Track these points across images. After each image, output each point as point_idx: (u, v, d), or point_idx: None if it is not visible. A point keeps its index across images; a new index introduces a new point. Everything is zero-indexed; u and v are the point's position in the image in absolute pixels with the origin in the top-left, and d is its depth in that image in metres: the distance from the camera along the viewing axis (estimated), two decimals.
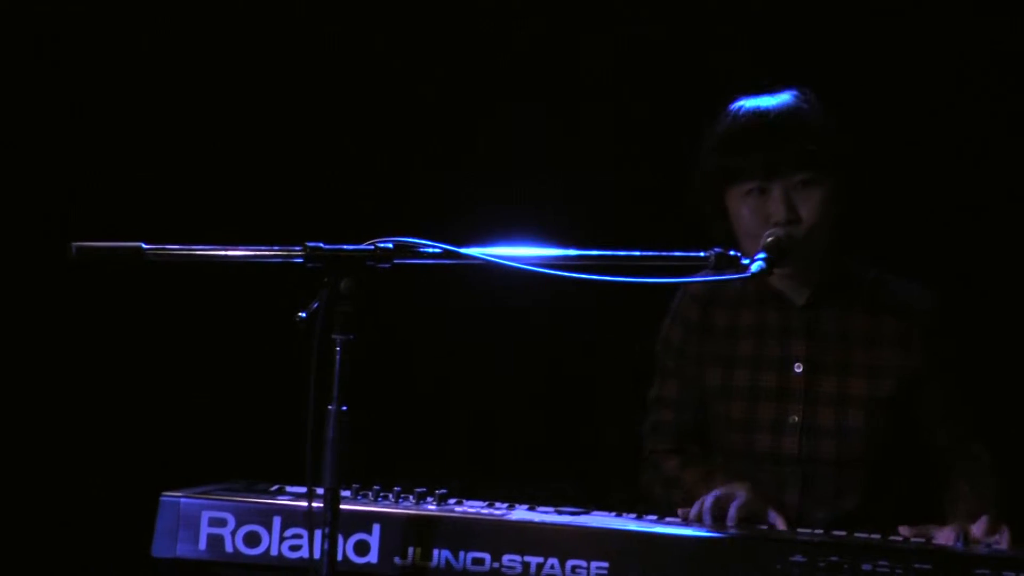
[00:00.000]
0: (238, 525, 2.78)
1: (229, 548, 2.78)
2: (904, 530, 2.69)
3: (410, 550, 2.72)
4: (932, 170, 3.88)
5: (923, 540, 2.64)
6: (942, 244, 3.79)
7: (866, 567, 2.48)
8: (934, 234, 3.82)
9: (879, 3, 3.95)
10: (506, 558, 2.67)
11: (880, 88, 3.71)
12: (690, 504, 2.81)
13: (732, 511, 2.70)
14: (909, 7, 3.92)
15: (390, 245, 2.51)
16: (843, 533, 2.63)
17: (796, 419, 2.97)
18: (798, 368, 2.99)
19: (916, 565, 2.47)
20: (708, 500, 2.72)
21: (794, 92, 2.95)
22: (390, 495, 2.82)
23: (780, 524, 2.74)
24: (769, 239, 2.75)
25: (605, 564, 2.62)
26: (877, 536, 2.63)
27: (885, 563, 2.48)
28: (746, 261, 2.59)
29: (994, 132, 3.89)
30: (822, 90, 2.94)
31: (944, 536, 2.65)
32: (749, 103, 2.94)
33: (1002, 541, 2.59)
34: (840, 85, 3.11)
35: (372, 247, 2.46)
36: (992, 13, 3.87)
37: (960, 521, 2.69)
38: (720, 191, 2.93)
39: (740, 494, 2.75)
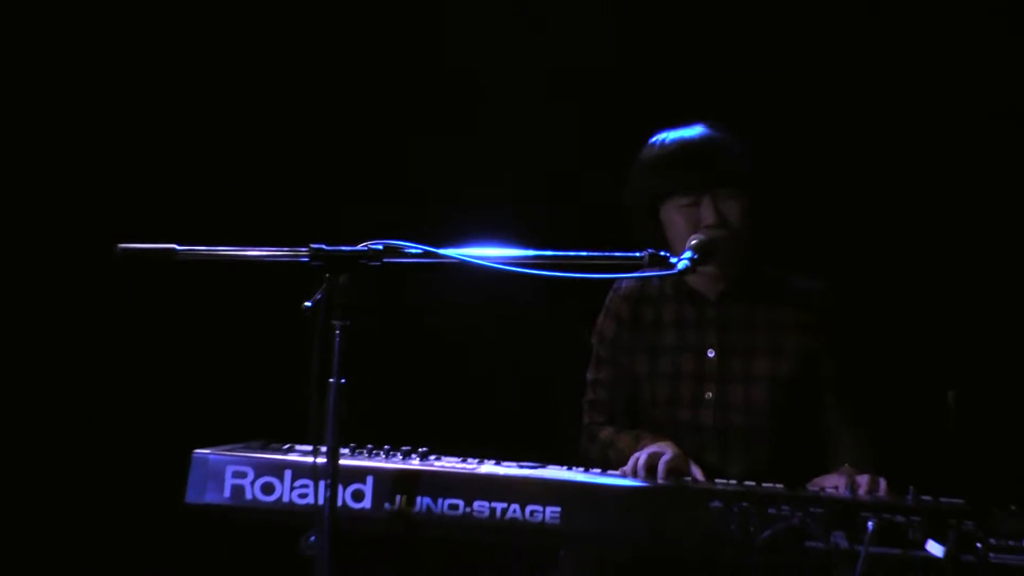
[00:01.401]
0: (256, 477, 3.22)
1: (249, 496, 3.23)
2: (820, 481, 3.19)
3: (397, 498, 3.16)
4: (824, 186, 4.42)
5: (818, 489, 3.12)
6: (834, 248, 4.31)
7: (771, 511, 2.97)
8: (828, 239, 4.34)
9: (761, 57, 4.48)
10: (476, 504, 3.12)
11: (777, 122, 4.22)
12: (625, 462, 3.24)
13: (661, 466, 3.15)
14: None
15: (380, 246, 2.93)
16: (753, 484, 3.09)
17: (711, 395, 3.44)
18: (711, 353, 3.46)
19: (811, 509, 2.96)
20: (643, 456, 3.16)
21: (704, 125, 3.42)
22: (381, 452, 3.26)
23: (700, 476, 3.20)
24: (694, 242, 3.21)
25: (558, 509, 3.08)
26: (780, 486, 3.09)
27: (787, 507, 2.97)
28: (674, 260, 3.08)
29: (866, 166, 4.45)
30: (730, 123, 3.43)
31: (834, 485, 3.13)
32: (672, 135, 3.42)
33: (880, 491, 3.08)
34: (746, 120, 3.55)
35: (365, 248, 2.89)
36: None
37: (847, 475, 3.16)
38: (654, 205, 3.38)
39: (668, 451, 3.19)
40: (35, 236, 4.97)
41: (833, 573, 2.97)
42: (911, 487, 2.99)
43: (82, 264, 4.63)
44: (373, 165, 4.80)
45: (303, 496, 3.23)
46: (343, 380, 2.91)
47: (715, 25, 4.60)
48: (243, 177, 4.90)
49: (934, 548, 2.93)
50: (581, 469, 3.21)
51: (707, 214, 3.32)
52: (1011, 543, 2.92)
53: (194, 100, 5.01)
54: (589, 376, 3.65)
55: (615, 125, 4.08)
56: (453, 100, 4.82)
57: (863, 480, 3.09)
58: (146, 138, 4.97)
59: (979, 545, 2.90)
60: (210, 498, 3.25)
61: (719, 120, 3.44)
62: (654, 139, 3.45)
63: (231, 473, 3.27)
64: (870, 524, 2.92)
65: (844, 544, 2.94)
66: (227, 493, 3.25)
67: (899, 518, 2.94)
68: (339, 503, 3.05)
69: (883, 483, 3.09)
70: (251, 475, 3.25)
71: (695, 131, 3.42)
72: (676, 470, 3.20)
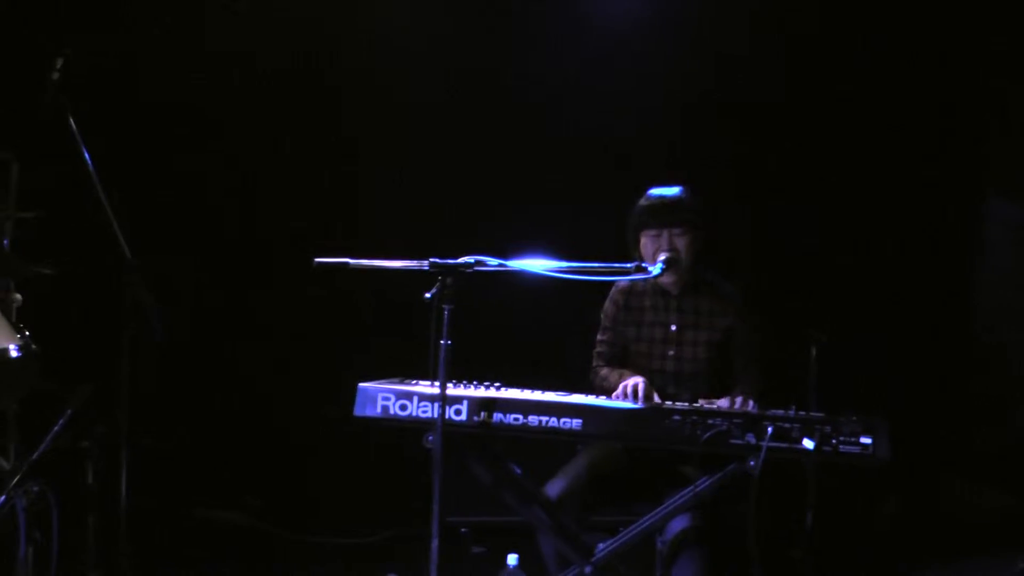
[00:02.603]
0: (396, 400, 4.66)
1: (391, 412, 4.67)
2: (714, 402, 4.73)
3: (482, 413, 4.60)
4: (741, 226, 6.22)
5: (717, 407, 4.64)
6: (743, 263, 6.06)
7: (709, 422, 4.44)
8: (739, 258, 6.07)
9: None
10: (530, 417, 4.57)
11: (716, 187, 5.89)
12: (614, 389, 4.80)
13: (641, 391, 4.72)
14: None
15: (472, 260, 4.42)
16: (697, 406, 4.63)
17: (672, 353, 5.07)
18: (673, 327, 5.09)
19: (734, 420, 4.44)
20: (629, 386, 4.75)
21: (680, 187, 5.06)
22: (471, 384, 4.69)
23: (658, 399, 4.74)
24: (663, 257, 4.89)
25: (580, 421, 4.56)
26: (707, 405, 4.65)
27: (718, 420, 4.44)
28: (651, 268, 4.79)
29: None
30: (694, 185, 5.10)
31: (728, 404, 4.69)
32: (657, 191, 5.07)
33: (749, 406, 4.63)
34: (699, 186, 5.18)
35: (463, 261, 4.40)
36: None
37: (730, 398, 4.72)
38: (637, 234, 5.05)
39: (643, 381, 4.77)
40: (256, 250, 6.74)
41: (747, 459, 4.38)
42: (793, 405, 4.48)
43: (288, 269, 6.23)
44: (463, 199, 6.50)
45: (424, 412, 4.61)
46: (449, 341, 4.34)
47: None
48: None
49: (808, 443, 4.33)
50: (593, 396, 4.73)
51: (664, 243, 4.98)
52: (852, 440, 4.33)
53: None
54: (598, 337, 5.24)
55: (612, 183, 5.68)
56: (516, 150, 6.60)
57: (738, 400, 4.67)
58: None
59: (834, 441, 4.33)
60: (368, 412, 4.70)
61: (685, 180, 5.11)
62: (650, 191, 5.09)
63: (380, 397, 4.69)
64: (769, 428, 4.37)
65: (753, 441, 4.39)
66: (378, 410, 4.68)
67: (786, 425, 4.37)
68: (447, 416, 4.41)
69: (751, 403, 4.64)
70: (393, 399, 4.67)
71: (671, 191, 5.03)
72: (647, 393, 4.74)
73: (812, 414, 4.46)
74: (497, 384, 4.74)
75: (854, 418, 4.38)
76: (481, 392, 4.68)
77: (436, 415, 4.40)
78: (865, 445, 4.35)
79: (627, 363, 5.16)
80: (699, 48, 6.78)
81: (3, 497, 4.85)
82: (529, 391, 4.70)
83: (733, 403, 4.68)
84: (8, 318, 5.23)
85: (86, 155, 5.43)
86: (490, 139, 6.84)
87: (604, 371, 5.17)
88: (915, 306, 6.70)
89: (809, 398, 4.70)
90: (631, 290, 5.16)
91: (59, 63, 5.43)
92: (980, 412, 6.69)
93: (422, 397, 4.67)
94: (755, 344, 5.06)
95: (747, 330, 5.05)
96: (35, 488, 4.93)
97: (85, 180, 5.43)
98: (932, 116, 6.82)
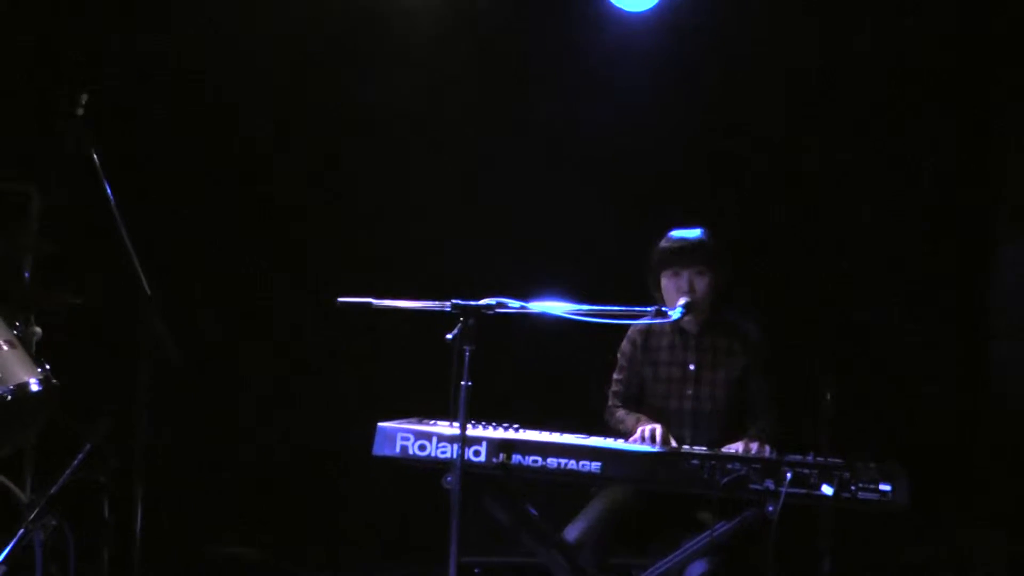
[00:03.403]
0: (415, 440, 4.70)
1: (410, 452, 4.69)
2: (730, 447, 4.78)
3: (501, 455, 4.62)
4: (756, 269, 6.23)
5: (735, 451, 4.70)
6: (761, 304, 6.04)
7: (728, 466, 4.45)
8: (758, 298, 6.10)
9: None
10: (549, 459, 4.59)
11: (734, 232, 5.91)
12: (630, 432, 4.85)
13: (659, 437, 4.77)
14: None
15: (493, 301, 4.47)
16: (715, 451, 4.65)
17: (690, 392, 5.10)
18: (691, 367, 5.13)
19: (752, 465, 4.45)
20: (647, 431, 4.79)
21: (701, 228, 5.13)
22: (490, 426, 4.73)
23: (675, 444, 4.78)
24: (683, 301, 4.93)
25: (599, 464, 4.58)
26: (724, 451, 4.68)
27: (737, 464, 4.45)
28: (670, 312, 4.81)
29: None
30: (712, 228, 5.16)
31: (745, 449, 4.73)
32: (677, 233, 5.14)
33: (766, 452, 4.67)
34: (717, 229, 5.26)
35: (485, 303, 4.43)
36: None
37: (744, 443, 4.77)
38: (658, 274, 5.10)
39: (660, 428, 4.83)
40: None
41: (765, 504, 4.38)
42: (811, 452, 4.50)
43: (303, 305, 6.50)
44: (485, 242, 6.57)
45: (443, 452, 4.65)
46: (470, 382, 4.36)
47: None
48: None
49: (826, 489, 4.34)
50: (612, 439, 4.76)
51: (684, 284, 5.03)
52: (871, 486, 4.34)
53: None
54: (614, 376, 5.28)
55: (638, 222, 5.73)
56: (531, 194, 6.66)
57: (753, 447, 4.72)
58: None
59: (852, 487, 4.34)
60: (387, 452, 4.73)
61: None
62: (670, 232, 5.16)
63: (400, 437, 4.73)
64: (788, 474, 4.39)
65: (772, 487, 4.39)
66: (397, 450, 4.72)
67: (805, 471, 4.39)
68: (465, 457, 4.40)
69: (767, 448, 4.70)
70: (412, 439, 4.71)
71: (692, 232, 5.11)
72: (664, 438, 4.79)
73: (830, 460, 4.48)
74: (516, 425, 4.78)
75: (872, 465, 4.41)
76: (500, 433, 4.72)
77: (455, 456, 4.43)
78: (884, 492, 4.37)
79: (644, 403, 5.20)
80: (719, 97, 6.84)
81: (21, 531, 4.86)
82: (548, 433, 4.75)
83: (748, 448, 4.72)
84: (28, 351, 5.25)
85: (107, 189, 5.44)
86: (516, 180, 6.95)
87: (620, 413, 5.21)
88: (930, 355, 6.72)
89: (822, 444, 4.63)
90: (649, 330, 5.22)
91: (83, 99, 5.47)
92: (997, 458, 6.69)
93: (441, 438, 4.70)
94: (770, 386, 5.12)
95: (762, 369, 5.11)
96: (53, 522, 4.93)
97: (106, 213, 5.44)
98: (947, 164, 6.83)
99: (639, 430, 4.85)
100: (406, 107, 6.94)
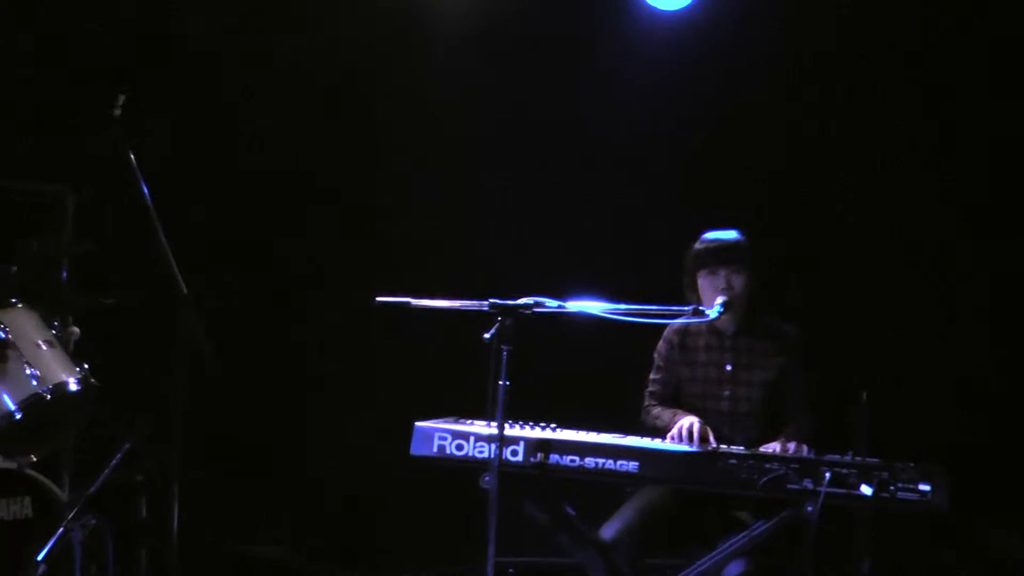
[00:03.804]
0: (452, 439, 4.71)
1: (447, 451, 4.71)
2: (767, 446, 4.78)
3: (539, 455, 4.63)
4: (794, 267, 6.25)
5: (772, 451, 4.68)
6: (797, 303, 6.02)
7: (766, 466, 4.47)
8: (794, 298, 6.10)
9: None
10: (587, 459, 4.59)
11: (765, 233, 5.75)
12: (666, 429, 4.85)
13: (696, 431, 4.76)
14: None
15: (531, 301, 4.47)
16: (753, 450, 4.65)
17: (727, 393, 5.10)
18: (728, 367, 5.13)
19: (791, 465, 4.45)
20: (684, 427, 4.79)
21: (736, 230, 5.14)
22: (527, 425, 4.73)
23: (713, 442, 4.77)
24: (721, 299, 4.91)
25: (636, 463, 4.60)
26: (763, 450, 4.67)
27: (776, 464, 4.46)
28: (708, 311, 4.81)
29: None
30: (745, 229, 5.17)
31: (782, 449, 4.71)
32: (712, 234, 5.14)
33: (804, 451, 4.66)
34: (751, 230, 5.26)
35: (522, 302, 4.45)
36: None
37: (781, 443, 4.76)
38: (694, 275, 5.10)
39: (697, 421, 4.82)
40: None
41: (804, 504, 4.38)
42: (850, 451, 4.50)
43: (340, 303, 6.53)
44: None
45: (481, 452, 4.67)
46: (508, 382, 4.37)
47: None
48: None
49: (866, 489, 4.34)
50: (650, 439, 4.77)
51: (721, 283, 5.03)
52: (910, 487, 4.34)
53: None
54: (650, 376, 5.28)
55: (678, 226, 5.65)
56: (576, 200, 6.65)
57: (791, 447, 4.71)
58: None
59: (892, 487, 4.34)
60: (424, 452, 4.75)
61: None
62: (705, 234, 5.17)
63: (437, 437, 4.75)
64: (827, 474, 4.38)
65: (811, 486, 4.39)
66: (435, 449, 4.74)
67: (844, 470, 4.38)
68: (503, 457, 4.44)
69: (805, 448, 4.69)
70: (449, 438, 4.73)
71: (728, 234, 5.13)
72: (702, 433, 4.79)
73: (869, 460, 4.48)
74: (553, 425, 4.78)
75: (912, 465, 4.40)
76: (537, 433, 4.72)
77: (492, 455, 4.44)
78: (923, 492, 4.36)
79: (680, 403, 5.21)
80: (754, 95, 6.82)
81: (60, 530, 4.89)
82: (585, 432, 4.75)
83: (786, 448, 4.71)
84: (66, 351, 5.30)
85: (144, 189, 5.48)
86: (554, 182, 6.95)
87: (656, 410, 5.21)
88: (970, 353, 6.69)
89: (859, 444, 4.63)
90: (686, 330, 5.22)
91: (120, 99, 5.50)
92: None
93: (479, 437, 4.72)
94: (806, 386, 5.11)
95: (799, 371, 5.11)
96: (91, 521, 4.97)
97: (142, 213, 5.47)
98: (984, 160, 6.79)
99: (677, 425, 4.85)
100: (442, 107, 6.98)
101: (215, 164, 6.95)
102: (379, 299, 4.61)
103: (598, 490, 4.78)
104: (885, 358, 6.38)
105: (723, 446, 4.76)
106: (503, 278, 5.09)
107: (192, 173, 6.80)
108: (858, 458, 4.48)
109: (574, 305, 4.58)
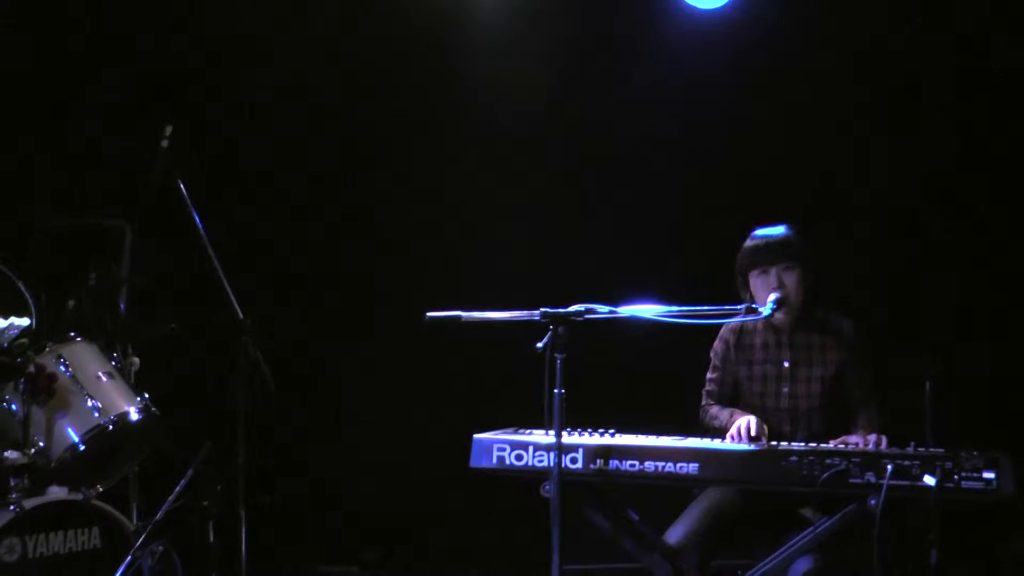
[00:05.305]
0: (511, 450, 4.69)
1: (507, 462, 4.68)
2: (835, 441, 4.72)
3: (598, 461, 4.60)
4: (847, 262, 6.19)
5: (844, 446, 4.62)
6: (855, 298, 5.91)
7: (828, 461, 4.41)
8: (851, 292, 5.98)
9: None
10: (646, 463, 4.57)
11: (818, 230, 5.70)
12: (724, 428, 4.82)
13: (754, 428, 4.71)
14: None
15: (582, 308, 4.45)
16: (814, 445, 4.59)
17: (786, 390, 5.04)
18: (786, 364, 5.07)
19: (852, 459, 4.38)
20: (742, 426, 4.75)
21: (786, 225, 5.07)
22: (586, 432, 4.70)
23: (765, 442, 4.72)
24: (774, 297, 4.88)
25: (696, 465, 4.56)
26: (828, 445, 4.63)
27: (837, 459, 4.41)
28: (761, 309, 4.78)
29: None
30: (797, 225, 5.11)
31: (855, 442, 4.66)
32: (762, 231, 5.08)
33: (883, 444, 4.59)
34: (801, 226, 5.18)
35: (573, 310, 4.42)
36: None
37: (862, 435, 4.70)
38: (746, 274, 5.07)
39: (755, 419, 4.78)
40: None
41: (867, 498, 4.35)
42: (912, 442, 4.45)
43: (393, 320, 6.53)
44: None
45: (540, 461, 4.63)
46: (563, 390, 4.34)
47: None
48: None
49: (929, 480, 4.29)
50: (709, 439, 4.73)
51: (772, 280, 4.99)
52: (973, 475, 4.29)
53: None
54: (708, 376, 5.24)
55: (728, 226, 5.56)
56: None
57: (872, 438, 4.65)
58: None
59: (956, 476, 4.29)
60: (484, 463, 4.73)
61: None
62: (755, 232, 5.12)
63: (495, 447, 4.73)
64: (889, 466, 4.34)
65: (873, 479, 4.36)
66: (494, 461, 4.72)
67: (906, 462, 4.33)
68: (563, 465, 4.44)
69: (884, 439, 4.64)
70: (508, 449, 4.70)
71: (777, 230, 5.05)
72: (759, 430, 4.74)
73: (932, 450, 4.43)
74: (612, 431, 4.76)
75: (975, 453, 4.35)
76: (596, 439, 4.70)
77: (552, 464, 4.42)
78: (988, 480, 4.31)
79: (738, 402, 5.17)
80: (798, 93, 6.77)
81: (128, 557, 4.96)
82: (644, 436, 4.73)
83: (867, 442, 4.65)
84: (127, 381, 5.38)
85: (197, 220, 5.56)
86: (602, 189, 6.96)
87: (714, 409, 5.17)
88: None
89: (924, 433, 4.58)
90: (742, 329, 5.17)
91: (168, 131, 5.59)
92: None
93: (537, 447, 4.69)
94: (869, 378, 5.06)
95: (860, 364, 5.05)
96: (160, 547, 5.03)
97: (197, 244, 5.56)
98: None
99: (735, 424, 4.82)
100: (485, 118, 7.01)
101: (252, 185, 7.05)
102: (430, 314, 4.60)
103: (661, 493, 4.78)
104: (950, 345, 6.24)
105: (783, 443, 4.71)
106: (552, 286, 5.13)
107: (233, 193, 6.91)
108: (920, 448, 4.43)
109: (626, 310, 4.56)
